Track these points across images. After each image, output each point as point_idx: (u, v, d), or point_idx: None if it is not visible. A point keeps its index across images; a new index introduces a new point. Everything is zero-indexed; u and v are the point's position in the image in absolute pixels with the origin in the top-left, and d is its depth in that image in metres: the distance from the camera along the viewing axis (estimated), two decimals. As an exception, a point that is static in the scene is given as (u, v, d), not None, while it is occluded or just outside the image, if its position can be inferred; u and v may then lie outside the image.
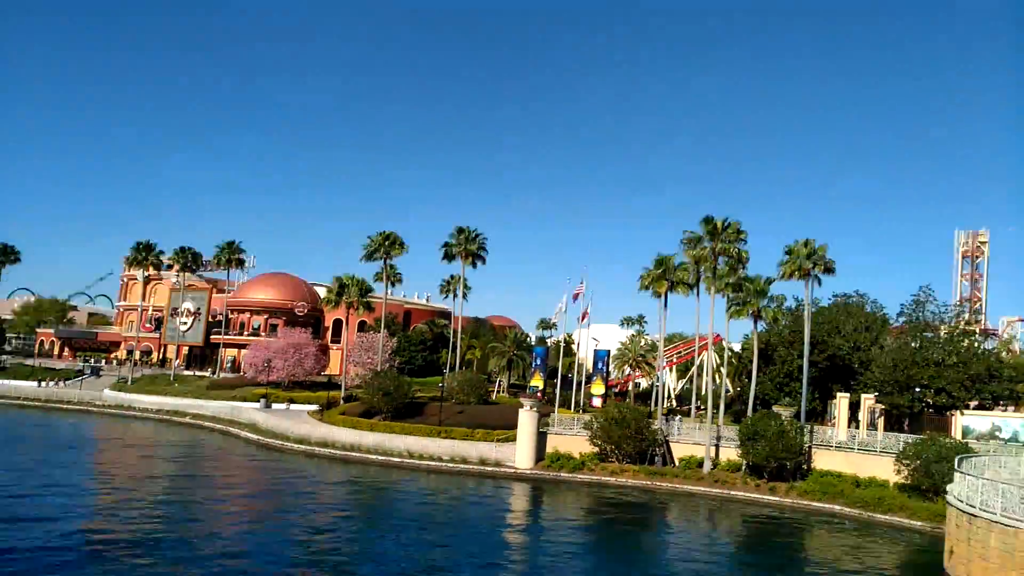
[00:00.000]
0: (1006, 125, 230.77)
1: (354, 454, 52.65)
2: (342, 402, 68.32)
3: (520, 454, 49.79)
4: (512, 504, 41.58)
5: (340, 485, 43.79)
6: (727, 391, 72.20)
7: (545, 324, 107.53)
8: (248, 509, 35.90)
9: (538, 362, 69.57)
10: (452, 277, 78.74)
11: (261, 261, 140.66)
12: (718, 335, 69.92)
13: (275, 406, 70.92)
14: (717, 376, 69.68)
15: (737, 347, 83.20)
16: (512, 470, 49.04)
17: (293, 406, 70.71)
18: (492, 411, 60.51)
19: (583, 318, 65.45)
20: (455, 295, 77.80)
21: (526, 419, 50.24)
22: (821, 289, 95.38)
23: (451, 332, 79.86)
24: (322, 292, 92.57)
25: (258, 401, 71.41)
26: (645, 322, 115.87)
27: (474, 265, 73.36)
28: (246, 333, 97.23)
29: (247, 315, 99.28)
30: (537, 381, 67.83)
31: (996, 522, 23.77)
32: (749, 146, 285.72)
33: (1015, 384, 50.84)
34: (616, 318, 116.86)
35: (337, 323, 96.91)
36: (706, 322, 54.70)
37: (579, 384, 71.74)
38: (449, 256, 72.64)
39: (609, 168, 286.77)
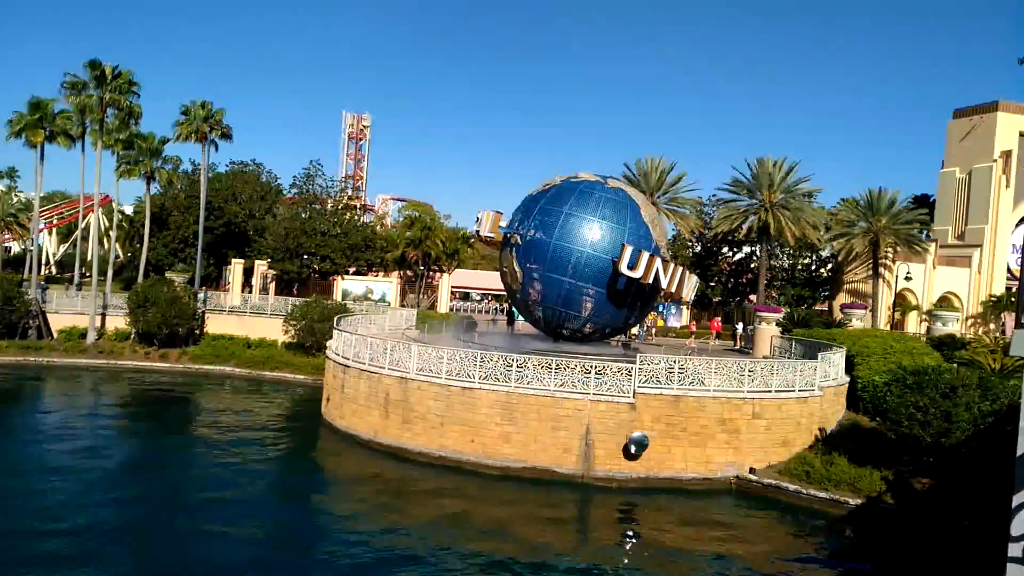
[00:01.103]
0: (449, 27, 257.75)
1: None
2: None
3: None
4: None
5: None
6: (117, 257, 67.50)
7: None
8: None
9: None
10: None
11: None
12: (107, 196, 64.20)
13: None
14: (106, 240, 64.34)
15: (129, 210, 77.86)
16: None
17: None
18: None
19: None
20: None
21: None
22: (219, 155, 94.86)
23: None
24: None
25: None
26: (18, 176, 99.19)
27: None
28: None
29: None
30: None
31: (364, 370, 27.56)
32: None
33: (385, 253, 59.07)
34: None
35: None
36: (92, 180, 48.85)
37: (-78, 248, 58.17)
38: None
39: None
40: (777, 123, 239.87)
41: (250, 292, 53.27)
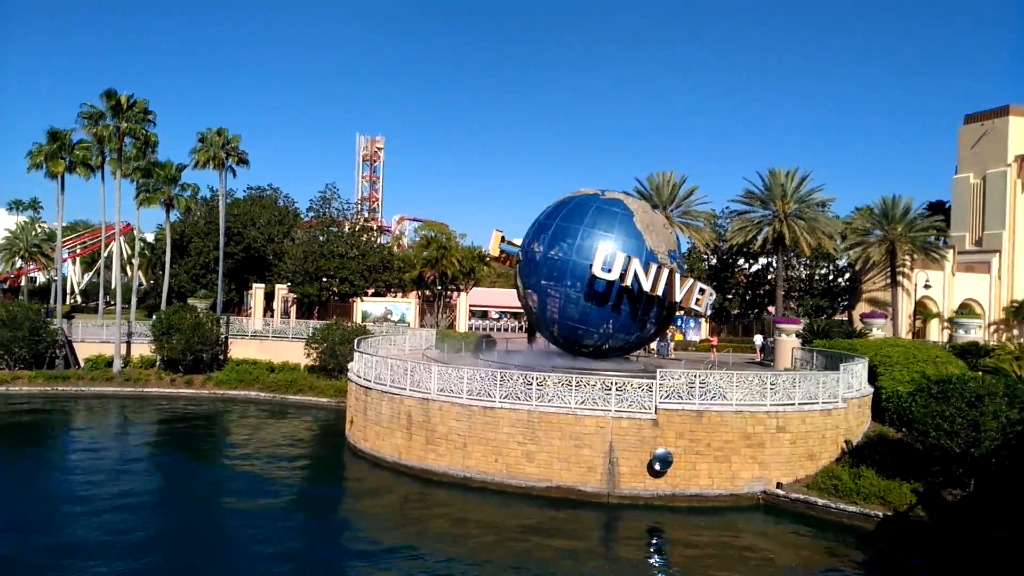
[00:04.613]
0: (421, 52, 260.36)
1: None
2: None
3: None
4: None
5: None
6: (140, 284, 68.32)
7: None
8: None
9: None
10: None
11: None
12: (128, 224, 65.13)
13: None
14: (129, 268, 65.29)
15: (150, 237, 78.90)
16: None
17: None
18: None
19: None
20: None
21: None
22: (236, 181, 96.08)
23: None
24: None
25: None
26: (40, 207, 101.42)
27: None
28: None
29: None
30: None
31: (386, 392, 27.75)
32: (161, 28, 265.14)
33: (403, 274, 59.45)
34: (2, 201, 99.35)
35: None
36: (113, 209, 49.53)
37: (-51, 281, 59.20)
38: None
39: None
40: (787, 134, 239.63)
41: (271, 316, 53.74)
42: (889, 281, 55.50)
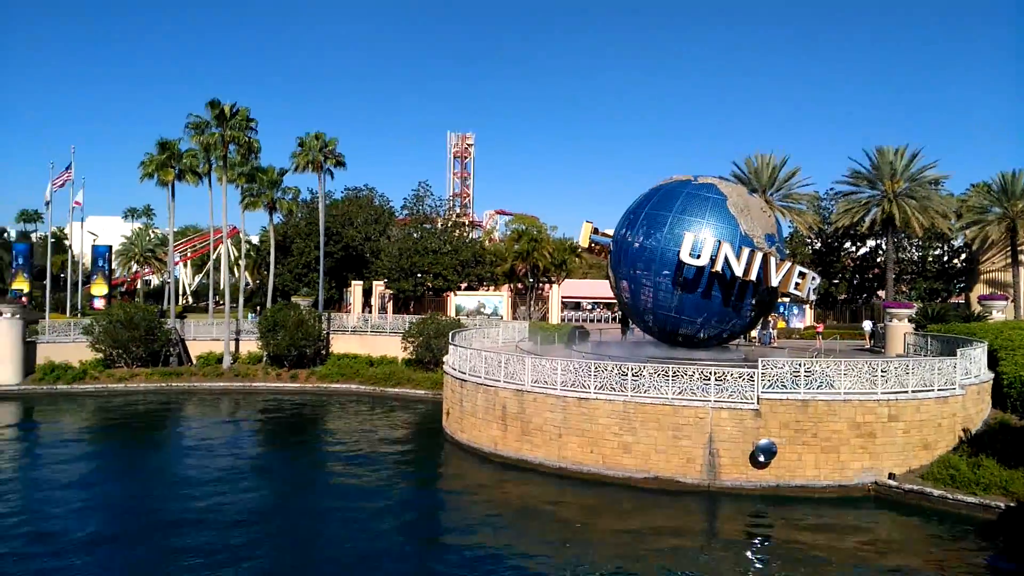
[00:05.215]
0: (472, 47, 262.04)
1: None
2: None
3: (2, 369, 42.48)
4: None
5: None
6: (247, 284, 71.26)
7: (28, 216, 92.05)
8: None
9: (20, 261, 59.59)
10: None
11: None
12: (234, 227, 67.93)
13: None
14: (236, 269, 68.20)
15: (255, 239, 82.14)
16: (-9, 389, 41.69)
17: None
18: (-42, 322, 50.07)
19: (76, 209, 57.38)
20: None
21: (7, 328, 42.82)
22: (334, 182, 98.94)
23: None
24: None
25: None
26: (153, 214, 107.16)
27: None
28: None
29: None
30: (21, 283, 58.18)
31: (481, 384, 27.93)
32: (257, 35, 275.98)
33: (495, 268, 59.80)
34: (119, 209, 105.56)
35: None
36: (220, 214, 51.79)
37: (76, 285, 63.40)
38: None
39: (107, 42, 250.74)
40: (891, 111, 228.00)
41: (370, 312, 55.02)
42: (1010, 261, 51.99)
